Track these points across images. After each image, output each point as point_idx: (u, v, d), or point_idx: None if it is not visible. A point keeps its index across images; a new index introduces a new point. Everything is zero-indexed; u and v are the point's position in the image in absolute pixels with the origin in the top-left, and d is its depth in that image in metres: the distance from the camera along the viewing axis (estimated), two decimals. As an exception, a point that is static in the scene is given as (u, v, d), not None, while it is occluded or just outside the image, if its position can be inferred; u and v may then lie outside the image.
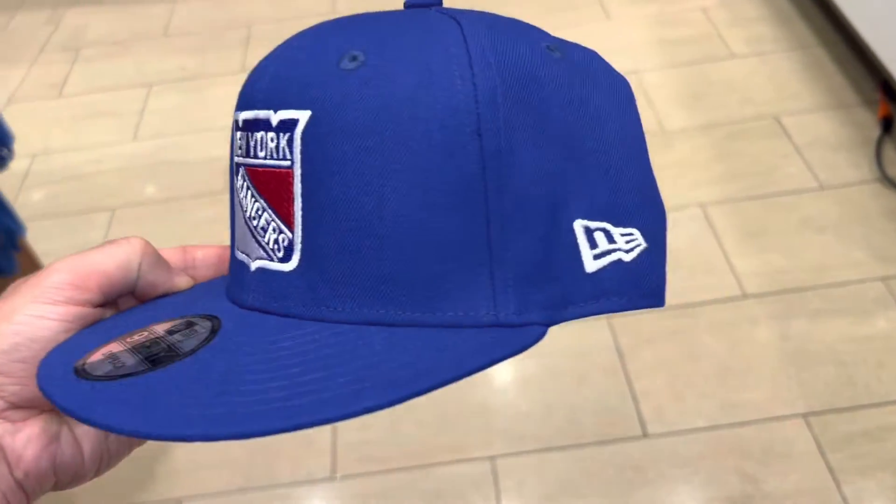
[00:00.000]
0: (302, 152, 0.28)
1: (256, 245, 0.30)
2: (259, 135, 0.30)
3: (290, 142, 0.29)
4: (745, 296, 1.17)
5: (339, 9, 1.91)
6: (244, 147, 0.30)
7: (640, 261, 0.31)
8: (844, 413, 1.04)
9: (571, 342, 1.15)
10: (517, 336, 0.29)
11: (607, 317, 1.17)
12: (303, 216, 0.29)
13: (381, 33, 0.30)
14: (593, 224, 0.31)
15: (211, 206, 1.42)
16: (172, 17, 1.95)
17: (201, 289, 0.36)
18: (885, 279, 1.18)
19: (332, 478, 1.04)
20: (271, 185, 0.29)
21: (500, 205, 0.29)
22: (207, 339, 0.29)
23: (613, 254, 0.31)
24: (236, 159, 0.31)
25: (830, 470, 0.99)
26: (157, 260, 0.36)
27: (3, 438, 0.32)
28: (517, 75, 0.29)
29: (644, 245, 0.31)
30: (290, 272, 0.29)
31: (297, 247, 0.29)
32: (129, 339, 0.30)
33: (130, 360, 0.28)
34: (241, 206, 0.31)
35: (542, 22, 1.44)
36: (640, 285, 0.31)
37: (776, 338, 1.12)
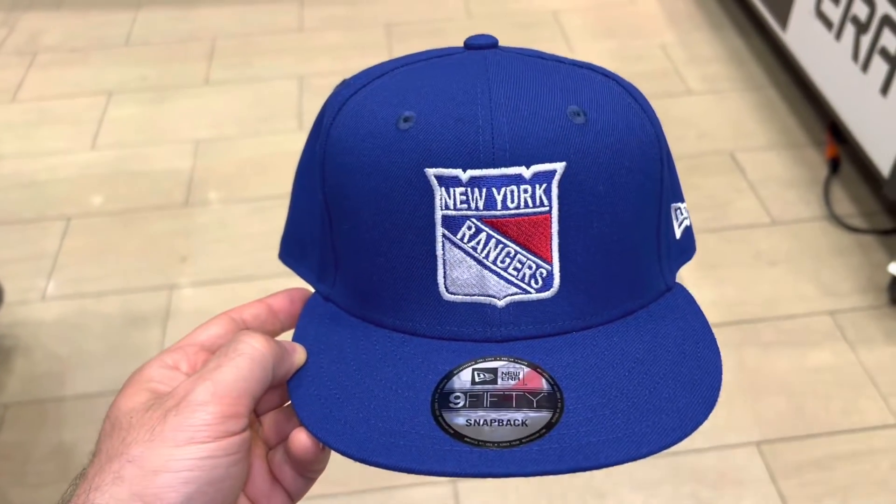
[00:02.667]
0: (559, 197, 0.34)
1: (505, 283, 0.34)
2: (508, 189, 0.33)
3: (547, 191, 0.33)
4: (701, 325, 1.20)
5: (307, 25, 1.91)
6: (476, 201, 0.33)
7: (690, 224, 0.42)
8: (794, 442, 1.08)
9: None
10: (676, 294, 0.39)
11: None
12: (560, 250, 0.34)
13: (584, 91, 0.36)
14: (675, 204, 0.40)
15: (170, 218, 1.40)
16: (134, 25, 1.92)
17: (347, 355, 0.36)
18: (832, 313, 1.23)
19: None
20: (525, 230, 0.34)
21: (662, 210, 0.38)
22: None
23: (684, 221, 0.41)
24: (453, 213, 0.34)
25: (781, 497, 1.02)
26: (281, 351, 0.35)
27: None
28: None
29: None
30: (553, 297, 0.34)
31: (556, 276, 0.34)
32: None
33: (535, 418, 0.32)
34: (470, 253, 0.34)
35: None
36: (692, 240, 0.43)
37: (731, 367, 1.16)
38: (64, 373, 1.16)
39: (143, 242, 1.36)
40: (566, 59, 0.39)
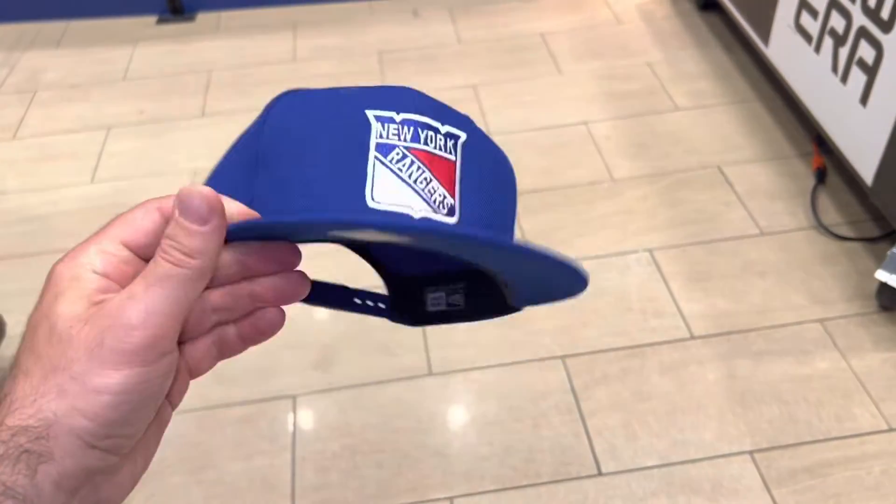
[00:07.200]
0: (462, 156, 0.43)
1: (421, 200, 0.41)
2: (429, 132, 0.42)
3: (454, 147, 0.42)
4: (692, 337, 1.22)
5: (300, 55, 1.95)
6: (405, 135, 0.41)
7: None
8: (787, 450, 1.09)
9: (529, 383, 1.18)
10: None
11: (562, 358, 1.21)
12: (460, 192, 0.42)
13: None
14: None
15: (169, 248, 1.43)
16: (132, 61, 1.97)
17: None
18: (822, 321, 1.25)
19: (291, 520, 1.04)
20: (438, 165, 0.41)
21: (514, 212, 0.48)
22: None
23: None
24: (386, 141, 0.41)
25: (775, 504, 1.03)
26: (213, 265, 0.35)
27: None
28: None
29: None
30: (455, 224, 0.42)
31: (457, 209, 0.42)
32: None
33: None
34: (396, 172, 0.41)
35: (498, 77, 1.51)
36: None
37: (723, 378, 1.17)
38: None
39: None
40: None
